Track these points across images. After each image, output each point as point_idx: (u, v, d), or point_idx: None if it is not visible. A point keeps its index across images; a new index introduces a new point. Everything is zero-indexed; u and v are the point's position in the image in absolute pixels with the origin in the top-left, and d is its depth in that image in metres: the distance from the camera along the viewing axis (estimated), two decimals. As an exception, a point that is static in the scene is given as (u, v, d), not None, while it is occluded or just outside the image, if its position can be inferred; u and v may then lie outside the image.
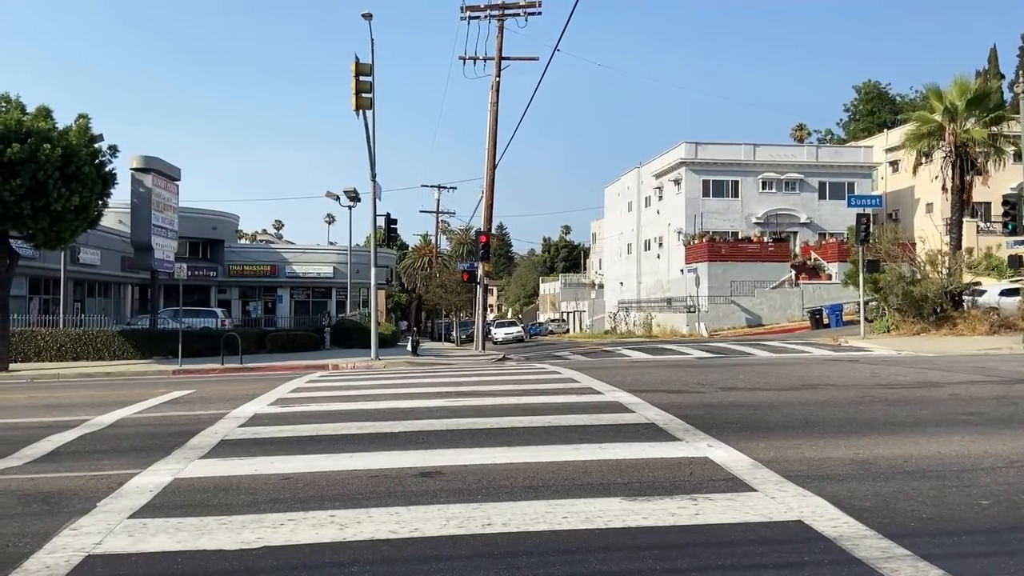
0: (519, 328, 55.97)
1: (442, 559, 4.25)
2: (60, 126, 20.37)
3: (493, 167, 29.88)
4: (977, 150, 31.00)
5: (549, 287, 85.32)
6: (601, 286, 69.76)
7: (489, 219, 30.55)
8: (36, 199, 19.20)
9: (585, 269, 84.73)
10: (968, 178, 31.39)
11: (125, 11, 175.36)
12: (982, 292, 27.91)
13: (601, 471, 6.21)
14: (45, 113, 20.27)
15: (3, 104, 19.91)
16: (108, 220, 28.37)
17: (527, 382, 13.47)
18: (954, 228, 31.19)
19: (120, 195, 24.77)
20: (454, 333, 47.24)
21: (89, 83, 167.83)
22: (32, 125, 19.35)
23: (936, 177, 33.07)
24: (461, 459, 6.75)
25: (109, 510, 5.39)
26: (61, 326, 26.94)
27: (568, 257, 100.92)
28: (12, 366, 21.28)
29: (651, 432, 7.92)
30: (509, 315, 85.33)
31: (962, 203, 31.49)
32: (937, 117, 31.50)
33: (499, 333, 50.41)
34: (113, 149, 21.74)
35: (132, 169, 26.77)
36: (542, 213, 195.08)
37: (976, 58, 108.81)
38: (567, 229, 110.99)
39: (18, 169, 18.70)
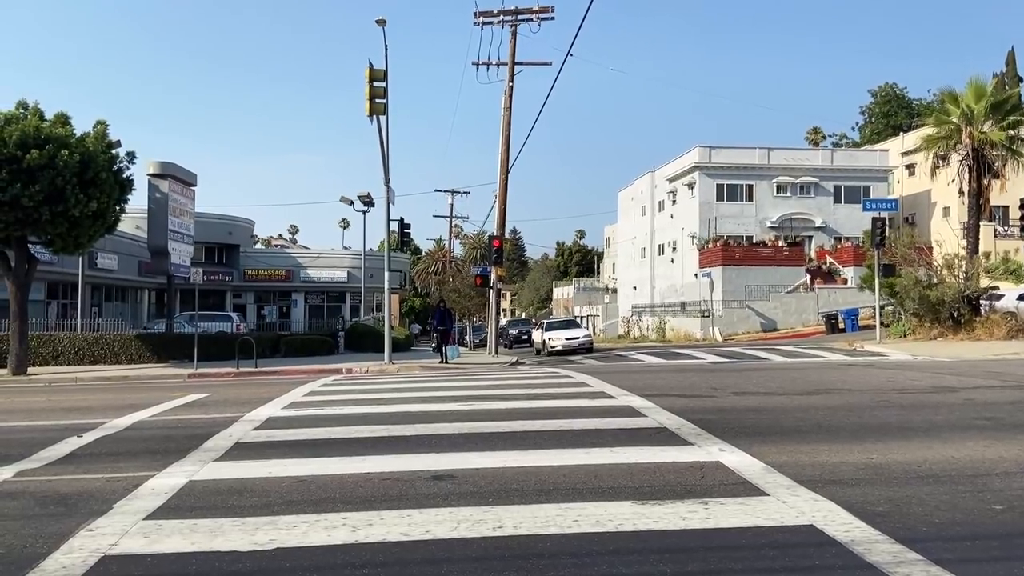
0: (585, 331, 37.53)
1: (453, 561, 4.27)
2: (78, 132, 20.62)
3: (506, 172, 29.94)
4: (994, 153, 30.73)
5: (562, 291, 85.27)
6: (615, 290, 69.65)
7: (502, 223, 30.61)
8: (54, 205, 19.43)
9: (599, 273, 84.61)
10: (985, 182, 31.10)
11: (141, 17, 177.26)
12: (1000, 296, 27.63)
13: (612, 475, 6.21)
14: (63, 119, 20.52)
15: (22, 111, 20.16)
16: (125, 225, 28.67)
17: (539, 386, 13.48)
18: (971, 232, 30.90)
19: (137, 200, 25.04)
20: (467, 337, 47.29)
21: (107, 89, 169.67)
22: (50, 131, 19.59)
23: (953, 181, 32.79)
24: (473, 462, 6.77)
25: (125, 511, 5.45)
26: (79, 330, 27.23)
27: (582, 261, 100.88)
28: (31, 370, 21.51)
29: (663, 436, 7.91)
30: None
31: (979, 207, 31.20)
32: (954, 120, 31.26)
33: (557, 339, 33.08)
34: (131, 155, 21.96)
35: (149, 175, 27.03)
36: (556, 217, 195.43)
37: (993, 60, 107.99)
38: (581, 233, 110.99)
39: (37, 175, 18.93)
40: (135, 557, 4.49)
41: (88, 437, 8.89)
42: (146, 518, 5.27)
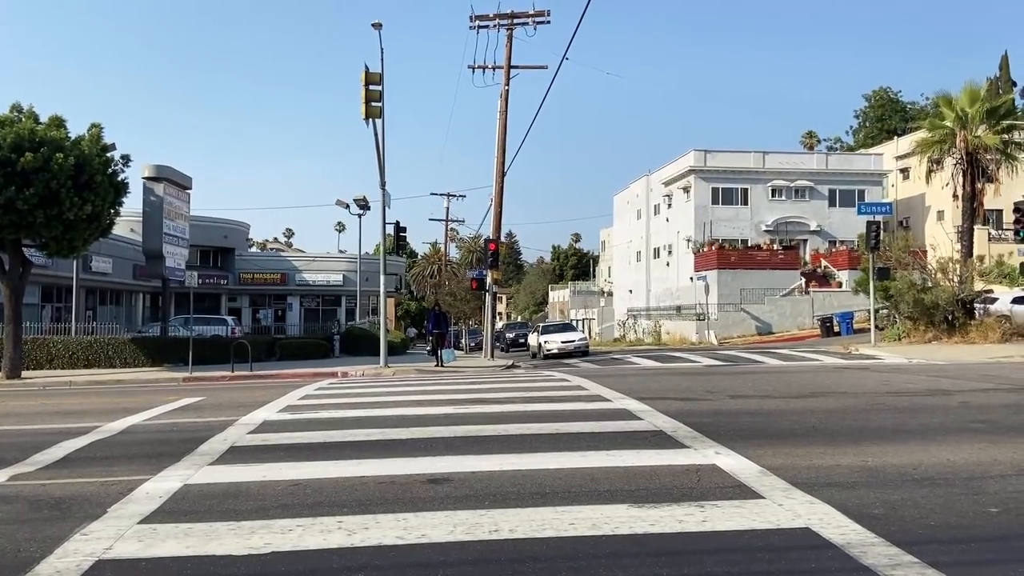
0: (581, 335, 36.63)
1: (449, 565, 4.26)
2: (73, 135, 20.57)
3: (502, 175, 29.94)
4: (988, 157, 30.88)
5: (558, 295, 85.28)
6: (610, 294, 69.70)
7: (498, 227, 30.59)
8: (49, 208, 19.38)
9: (594, 277, 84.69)
10: (979, 185, 31.30)
11: (137, 22, 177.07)
12: (994, 300, 27.70)
13: (608, 478, 6.21)
14: (58, 123, 20.47)
15: (16, 114, 20.12)
16: (120, 228, 28.61)
17: (535, 389, 13.48)
18: (965, 235, 31.06)
19: (132, 204, 25.04)
20: (463, 341, 47.26)
21: (102, 93, 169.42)
22: (45, 134, 19.54)
23: (947, 184, 32.98)
24: (469, 466, 6.76)
25: (119, 515, 5.43)
26: (73, 334, 27.14)
27: (577, 265, 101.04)
28: (25, 373, 21.44)
29: (659, 439, 7.91)
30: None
31: (973, 210, 31.39)
32: (948, 124, 31.41)
33: (553, 342, 32.62)
34: (126, 158, 21.93)
35: (144, 178, 27.00)
36: (551, 221, 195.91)
37: (988, 64, 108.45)
38: (577, 237, 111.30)
39: (31, 178, 18.89)
40: (130, 561, 4.48)
41: (82, 441, 8.85)
42: (141, 522, 5.25)
